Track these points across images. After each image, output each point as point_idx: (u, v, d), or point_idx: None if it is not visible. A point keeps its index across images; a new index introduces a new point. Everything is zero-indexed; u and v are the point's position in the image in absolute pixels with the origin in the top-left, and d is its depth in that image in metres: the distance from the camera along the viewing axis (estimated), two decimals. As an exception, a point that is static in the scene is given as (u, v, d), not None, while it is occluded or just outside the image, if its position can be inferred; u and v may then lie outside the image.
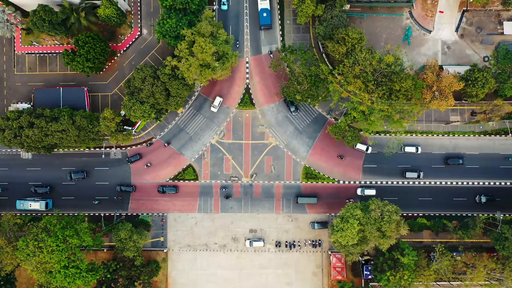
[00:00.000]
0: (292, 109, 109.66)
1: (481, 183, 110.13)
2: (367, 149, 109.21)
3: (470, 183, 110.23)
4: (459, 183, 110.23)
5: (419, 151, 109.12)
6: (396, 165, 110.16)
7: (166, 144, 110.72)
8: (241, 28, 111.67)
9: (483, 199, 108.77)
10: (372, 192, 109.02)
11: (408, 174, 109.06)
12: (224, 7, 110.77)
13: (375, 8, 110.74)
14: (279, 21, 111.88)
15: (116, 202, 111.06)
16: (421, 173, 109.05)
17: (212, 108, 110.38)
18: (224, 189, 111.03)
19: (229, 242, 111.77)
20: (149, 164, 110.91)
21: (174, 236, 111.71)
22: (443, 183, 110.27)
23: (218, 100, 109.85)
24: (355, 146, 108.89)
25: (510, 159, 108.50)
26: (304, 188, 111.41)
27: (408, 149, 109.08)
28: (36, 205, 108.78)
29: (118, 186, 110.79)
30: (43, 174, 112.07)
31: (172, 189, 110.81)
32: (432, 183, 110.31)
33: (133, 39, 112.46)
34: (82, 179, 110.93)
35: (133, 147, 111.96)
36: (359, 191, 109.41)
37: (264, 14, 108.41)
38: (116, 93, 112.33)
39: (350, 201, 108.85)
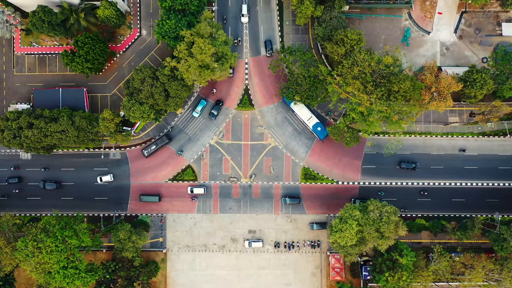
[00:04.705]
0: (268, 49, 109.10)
1: (479, 184, 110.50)
2: None
3: (469, 184, 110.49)
4: (458, 183, 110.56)
5: None
6: (395, 166, 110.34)
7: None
8: (240, 29, 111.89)
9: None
10: (201, 190, 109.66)
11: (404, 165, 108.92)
12: (196, 115, 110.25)
13: (374, 9, 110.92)
14: (278, 22, 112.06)
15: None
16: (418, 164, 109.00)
17: (104, 179, 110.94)
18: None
19: (228, 243, 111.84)
20: None
21: (173, 236, 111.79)
22: (442, 184, 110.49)
23: (108, 176, 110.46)
24: None
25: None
26: (150, 187, 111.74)
27: None
28: None
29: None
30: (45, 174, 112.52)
31: (52, 185, 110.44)
32: (431, 183, 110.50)
33: (133, 40, 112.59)
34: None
35: (132, 147, 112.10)
36: (188, 190, 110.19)
37: (319, 129, 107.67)
38: (116, 93, 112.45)
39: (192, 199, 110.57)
